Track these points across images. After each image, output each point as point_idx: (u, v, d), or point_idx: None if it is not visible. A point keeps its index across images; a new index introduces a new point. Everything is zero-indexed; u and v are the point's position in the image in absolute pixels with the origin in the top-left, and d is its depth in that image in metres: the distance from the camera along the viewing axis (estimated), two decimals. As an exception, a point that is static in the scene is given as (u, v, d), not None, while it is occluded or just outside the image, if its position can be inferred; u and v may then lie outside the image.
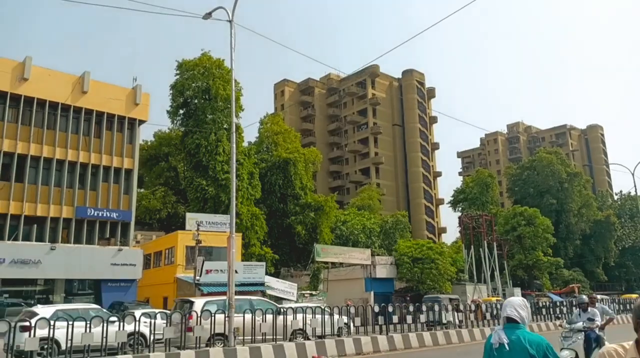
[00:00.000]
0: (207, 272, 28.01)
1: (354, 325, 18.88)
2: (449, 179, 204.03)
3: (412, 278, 40.02)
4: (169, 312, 15.45)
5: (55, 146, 27.70)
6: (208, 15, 15.99)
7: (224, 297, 16.24)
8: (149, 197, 45.86)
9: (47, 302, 26.50)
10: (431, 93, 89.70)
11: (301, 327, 17.16)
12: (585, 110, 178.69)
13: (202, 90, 41.57)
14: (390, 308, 19.70)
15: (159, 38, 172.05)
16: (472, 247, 46.78)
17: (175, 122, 43.89)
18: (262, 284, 31.72)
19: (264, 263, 34.31)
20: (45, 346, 12.14)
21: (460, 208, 65.12)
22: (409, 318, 20.14)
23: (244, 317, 15.34)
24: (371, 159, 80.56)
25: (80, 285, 28.22)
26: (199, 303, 15.97)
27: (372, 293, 37.66)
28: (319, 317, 17.24)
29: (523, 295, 43.46)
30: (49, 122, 27.73)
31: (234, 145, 16.66)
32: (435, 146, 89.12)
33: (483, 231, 47.45)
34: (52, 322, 11.61)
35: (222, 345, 14.55)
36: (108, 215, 28.86)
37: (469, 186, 66.60)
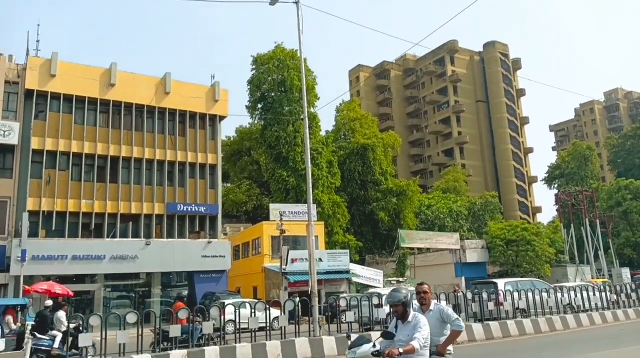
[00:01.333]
0: (293, 261, 28.27)
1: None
2: (542, 155, 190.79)
3: (506, 262, 37.82)
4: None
5: (144, 147, 29.18)
6: (275, 1, 15.68)
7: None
8: (235, 190, 47.34)
9: (146, 294, 28.24)
10: (517, 65, 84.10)
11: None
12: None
13: (277, 83, 41.91)
14: (485, 295, 18.47)
15: (233, 34, 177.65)
16: (572, 226, 43.36)
17: (254, 116, 44.80)
18: (348, 272, 31.47)
19: (347, 251, 34.02)
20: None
21: (556, 186, 60.78)
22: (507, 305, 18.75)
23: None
24: (454, 139, 77.31)
25: (175, 278, 29.67)
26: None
27: (463, 278, 36.10)
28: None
29: (632, 276, 39.57)
30: (136, 124, 29.25)
31: (307, 131, 16.29)
32: (525, 121, 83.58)
33: (584, 208, 43.74)
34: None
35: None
36: (197, 209, 29.99)
37: (565, 161, 61.94)
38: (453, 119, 78.38)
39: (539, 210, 79.29)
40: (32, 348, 12.35)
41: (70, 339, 12.39)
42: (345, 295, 24.56)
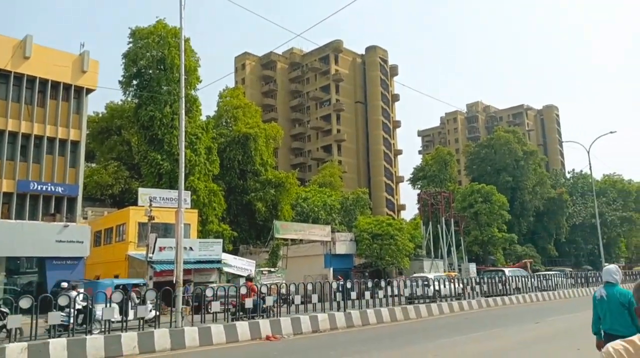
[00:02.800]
0: (161, 249, 26.97)
1: (310, 302, 18.46)
2: (409, 157, 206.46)
3: (371, 255, 40.15)
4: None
5: (-7, 115, 25.68)
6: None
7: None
8: (101, 171, 43.82)
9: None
10: (394, 71, 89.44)
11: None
12: (542, 90, 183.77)
13: (156, 60, 39.56)
14: (348, 285, 19.41)
15: (111, 2, 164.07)
16: (430, 223, 47.41)
17: (127, 93, 41.74)
18: (219, 261, 30.92)
19: (221, 240, 33.40)
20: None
21: (419, 186, 65.93)
22: (367, 295, 19.94)
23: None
24: (333, 136, 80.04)
25: (24, 263, 26.62)
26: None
27: (331, 269, 37.55)
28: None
29: (477, 271, 44.48)
30: (-16, 88, 25.63)
31: (182, 111, 15.62)
32: (397, 124, 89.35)
33: (441, 208, 48.08)
34: None
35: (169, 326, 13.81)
36: (53, 189, 27.16)
37: (428, 164, 67.41)
38: (333, 117, 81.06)
39: (403, 207, 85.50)
40: None
41: None
42: (213, 285, 24.12)
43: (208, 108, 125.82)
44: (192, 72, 40.01)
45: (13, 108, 26.53)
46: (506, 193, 60.41)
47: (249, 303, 15.58)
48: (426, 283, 23.54)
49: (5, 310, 12.51)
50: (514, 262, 55.63)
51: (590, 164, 69.36)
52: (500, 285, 28.30)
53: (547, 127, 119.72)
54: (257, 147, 46.79)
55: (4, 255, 24.90)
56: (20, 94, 26.92)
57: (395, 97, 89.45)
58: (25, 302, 11.92)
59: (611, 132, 49.89)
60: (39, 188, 26.70)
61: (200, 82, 41.95)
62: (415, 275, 30.45)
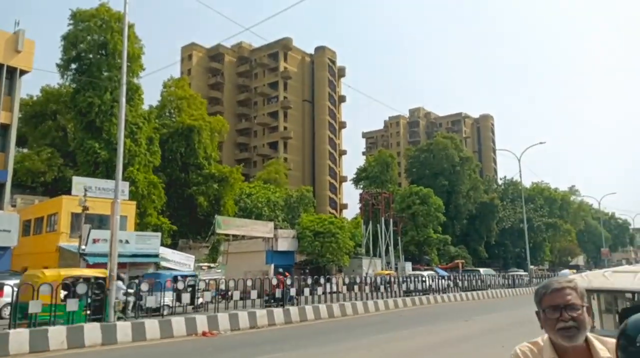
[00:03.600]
0: (95, 241, 25.98)
1: (250, 298, 18.49)
2: (353, 158, 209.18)
3: (312, 252, 40.56)
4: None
5: None
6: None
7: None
8: (33, 158, 41.34)
9: None
10: (342, 72, 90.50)
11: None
12: (479, 100, 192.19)
13: (98, 45, 37.93)
14: (288, 281, 19.60)
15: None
16: (371, 222, 48.51)
17: (65, 77, 39.73)
18: (157, 255, 30.16)
19: (159, 234, 32.57)
20: None
21: (361, 186, 67.23)
22: (307, 291, 20.23)
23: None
24: (280, 133, 79.93)
25: (-60, 253, 24.77)
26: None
27: (272, 266, 37.56)
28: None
29: (413, 270, 46.01)
30: None
31: (123, 99, 15.17)
32: (343, 125, 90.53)
33: (381, 208, 49.30)
34: None
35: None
36: (-23, 174, 25.44)
37: (371, 165, 68.86)
38: (280, 114, 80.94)
39: (345, 206, 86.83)
40: None
41: None
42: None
43: (151, 98, 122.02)
44: (136, 60, 38.68)
45: None
46: (442, 196, 62.84)
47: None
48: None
49: None
50: (447, 262, 57.98)
51: (520, 171, 73.61)
52: (425, 284, 29.48)
53: (482, 135, 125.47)
54: (201, 140, 45.93)
55: None
56: (-56, 70, 25.02)
57: (342, 98, 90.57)
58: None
59: (540, 143, 53.23)
60: (-38, 172, 24.95)
61: (144, 70, 40.65)
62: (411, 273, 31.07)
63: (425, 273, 32.68)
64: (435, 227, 58.40)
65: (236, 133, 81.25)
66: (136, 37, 39.38)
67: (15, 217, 26.73)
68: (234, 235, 39.27)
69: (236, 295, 18.02)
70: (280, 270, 27.73)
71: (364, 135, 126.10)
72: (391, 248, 48.54)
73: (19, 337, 11.20)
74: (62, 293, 13.28)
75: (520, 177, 52.93)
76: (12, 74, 27.60)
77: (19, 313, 12.46)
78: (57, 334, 11.72)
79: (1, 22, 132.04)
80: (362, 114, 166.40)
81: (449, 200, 66.27)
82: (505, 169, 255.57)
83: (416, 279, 28.68)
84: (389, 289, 25.85)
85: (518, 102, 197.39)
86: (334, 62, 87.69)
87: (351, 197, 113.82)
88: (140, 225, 35.25)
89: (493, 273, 43.79)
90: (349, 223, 51.61)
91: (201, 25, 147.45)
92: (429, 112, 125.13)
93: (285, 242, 40.91)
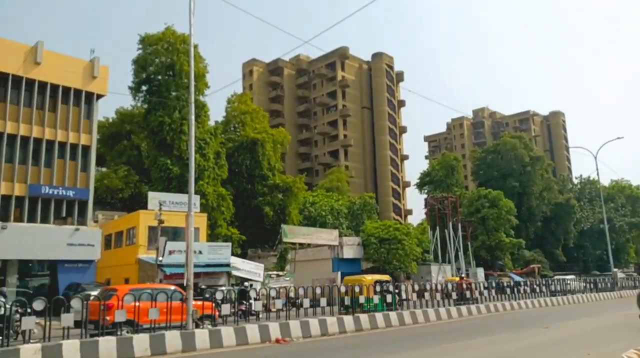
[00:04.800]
0: (171, 252, 27.21)
1: (319, 306, 18.56)
2: (416, 163, 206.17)
3: (378, 259, 40.22)
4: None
5: (6, 120, 26.02)
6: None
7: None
8: (111, 176, 44.11)
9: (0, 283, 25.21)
10: (400, 77, 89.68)
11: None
12: (549, 96, 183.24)
13: (165, 66, 40.03)
14: (357, 288, 19.50)
15: (119, 10, 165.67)
16: (438, 228, 47.40)
17: (137, 98, 42.22)
18: (228, 265, 31.10)
19: (229, 244, 33.60)
20: None
21: (426, 191, 65.91)
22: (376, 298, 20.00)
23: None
24: (340, 141, 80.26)
25: (35, 266, 26.95)
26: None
27: (339, 273, 37.61)
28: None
29: (485, 276, 44.36)
30: (-2, 93, 26.04)
31: (192, 117, 15.83)
32: (403, 130, 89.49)
33: (448, 213, 48.06)
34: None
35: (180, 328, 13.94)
36: (64, 193, 27.48)
37: (435, 169, 67.40)
38: (340, 122, 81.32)
39: (410, 212, 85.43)
40: None
41: None
42: (223, 288, 24.29)
43: (216, 113, 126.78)
44: (201, 78, 40.39)
45: (25, 113, 26.93)
46: (513, 199, 60.26)
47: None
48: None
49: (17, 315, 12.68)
50: (522, 267, 55.42)
51: (597, 169, 69.03)
52: (508, 289, 28.26)
53: (553, 133, 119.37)
54: (264, 152, 47.06)
55: (16, 258, 25.24)
56: (32, 99, 27.30)
57: (401, 103, 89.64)
58: (38, 304, 12.11)
59: (618, 138, 49.74)
60: (51, 192, 27.03)
61: (209, 88, 42.39)
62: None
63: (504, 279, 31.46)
64: (507, 230, 56.03)
65: (297, 143, 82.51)
66: (200, 56, 41.12)
67: (98, 232, 28.58)
68: (300, 244, 39.77)
69: (306, 302, 18.16)
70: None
71: (426, 138, 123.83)
72: (461, 253, 47.13)
73: (108, 344, 11.89)
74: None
75: (598, 175, 49.92)
76: (90, 98, 29.64)
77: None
78: (141, 342, 12.34)
79: (78, 51, 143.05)
80: (423, 117, 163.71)
81: (520, 202, 63.46)
82: (581, 167, 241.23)
83: (492, 284, 27.63)
84: (468, 295, 25.08)
85: (590, 97, 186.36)
86: (391, 68, 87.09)
87: (415, 202, 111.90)
88: (212, 236, 36.55)
89: (572, 277, 41.31)
90: (415, 230, 50.72)
91: (260, 41, 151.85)
92: (494, 111, 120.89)
93: (351, 249, 40.86)
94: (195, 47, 39.04)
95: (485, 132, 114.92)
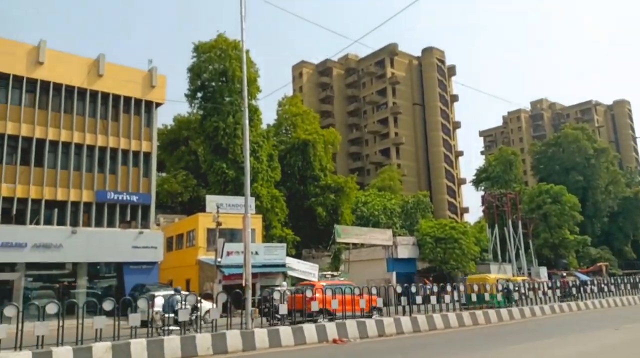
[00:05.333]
0: (229, 253, 27.92)
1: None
2: (471, 158, 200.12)
3: (434, 259, 39.44)
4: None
5: (73, 130, 27.64)
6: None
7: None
8: (170, 180, 45.92)
9: (71, 285, 26.83)
10: (452, 71, 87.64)
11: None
12: (612, 85, 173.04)
13: (219, 73, 41.12)
14: (413, 289, 19.24)
15: (173, 19, 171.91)
16: (496, 226, 45.88)
17: (193, 105, 43.65)
18: (283, 265, 31.55)
19: (284, 244, 34.09)
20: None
21: (482, 188, 64.01)
22: (433, 299, 19.67)
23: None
24: (391, 139, 79.42)
25: (103, 269, 28.44)
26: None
27: (394, 273, 37.24)
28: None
29: (549, 275, 42.52)
30: (65, 106, 27.64)
31: (246, 121, 16.19)
32: (457, 125, 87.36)
33: (507, 210, 46.43)
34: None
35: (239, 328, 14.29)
36: (128, 198, 28.85)
37: (491, 165, 65.31)
38: (390, 120, 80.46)
39: (466, 210, 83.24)
40: None
41: None
42: (279, 288, 24.65)
43: (268, 116, 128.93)
44: (252, 83, 41.19)
45: (90, 123, 28.48)
46: (577, 193, 57.34)
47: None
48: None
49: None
50: (588, 265, 52.66)
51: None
52: (574, 289, 26.93)
53: (618, 123, 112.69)
54: (316, 153, 47.34)
55: (85, 261, 26.76)
56: (96, 109, 28.83)
57: (454, 98, 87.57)
58: (107, 305, 12.77)
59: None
60: (116, 197, 28.46)
61: (260, 92, 43.18)
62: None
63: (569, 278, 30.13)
64: (571, 227, 53.34)
65: (348, 143, 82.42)
66: (251, 61, 41.98)
67: (160, 235, 29.80)
68: (353, 244, 39.70)
69: (362, 303, 18.10)
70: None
71: (482, 133, 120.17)
72: (522, 252, 45.39)
73: (172, 343, 12.37)
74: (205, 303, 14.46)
75: (672, 165, 46.25)
76: (149, 107, 30.95)
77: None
78: (203, 341, 12.76)
79: (136, 62, 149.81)
80: (477, 112, 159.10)
81: (585, 197, 60.31)
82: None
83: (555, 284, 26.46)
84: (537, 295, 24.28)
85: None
86: (442, 62, 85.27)
87: (472, 200, 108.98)
88: (267, 237, 37.21)
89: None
90: (472, 228, 49.31)
91: (308, 43, 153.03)
92: (554, 102, 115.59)
93: (405, 249, 40.32)
94: (247, 52, 39.91)
95: (545, 125, 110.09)
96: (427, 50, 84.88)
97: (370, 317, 17.38)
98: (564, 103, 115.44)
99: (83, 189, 27.59)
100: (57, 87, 27.34)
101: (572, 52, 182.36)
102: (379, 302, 18.45)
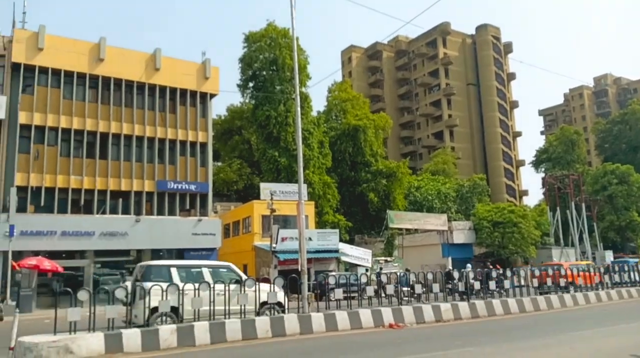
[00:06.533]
0: (283, 239, 28.49)
1: (432, 292, 18.24)
2: (530, 139, 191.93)
3: (492, 243, 38.47)
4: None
5: (134, 123, 28.92)
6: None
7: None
8: (226, 169, 47.25)
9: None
10: (508, 48, 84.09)
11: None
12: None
13: (269, 62, 41.57)
14: (471, 275, 18.83)
15: (224, 10, 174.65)
16: (558, 209, 44.04)
17: (245, 95, 44.50)
18: (337, 251, 31.80)
19: (337, 230, 34.33)
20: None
21: (543, 169, 61.54)
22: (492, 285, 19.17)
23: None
24: (444, 121, 77.54)
25: (165, 255, 29.74)
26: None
27: (449, 259, 36.68)
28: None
29: (615, 258, 40.49)
30: (126, 100, 28.94)
31: (298, 109, 16.30)
32: (514, 104, 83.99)
33: (570, 192, 44.46)
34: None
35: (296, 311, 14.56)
36: (187, 187, 29.94)
37: (552, 145, 62.58)
38: (443, 102, 78.47)
39: (525, 193, 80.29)
40: None
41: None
42: (334, 273, 24.89)
43: (318, 103, 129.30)
44: (302, 70, 41.38)
45: (149, 116, 29.68)
46: (646, 173, 53.92)
47: (461, 286, 17.97)
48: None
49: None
50: (660, 249, 49.61)
51: None
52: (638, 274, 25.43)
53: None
54: (366, 139, 47.08)
55: (149, 248, 28.09)
56: (154, 102, 29.98)
57: (511, 76, 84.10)
58: (172, 289, 13.34)
59: None
60: (175, 186, 29.62)
61: (310, 79, 43.35)
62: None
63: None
64: (639, 208, 50.32)
65: (399, 127, 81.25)
66: (301, 49, 42.08)
67: (218, 222, 30.78)
68: (407, 229, 39.36)
69: (418, 288, 17.95)
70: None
71: (541, 112, 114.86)
72: (585, 236, 43.37)
73: (233, 326, 12.80)
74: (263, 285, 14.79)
75: None
76: (204, 98, 31.82)
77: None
78: (262, 324, 13.11)
79: (191, 54, 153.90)
80: (536, 90, 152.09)
81: (655, 177, 56.56)
82: None
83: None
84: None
85: None
86: (498, 39, 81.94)
87: (531, 182, 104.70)
88: (319, 223, 37.58)
89: None
90: (532, 211, 47.61)
91: (357, 26, 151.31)
92: (619, 77, 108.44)
93: (461, 234, 39.54)
94: (296, 40, 40.07)
95: (610, 101, 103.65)
96: (482, 28, 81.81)
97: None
98: (630, 77, 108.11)
99: (145, 179, 28.87)
100: (118, 82, 28.63)
101: (638, 22, 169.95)
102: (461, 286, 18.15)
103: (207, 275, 14.00)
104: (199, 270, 14.36)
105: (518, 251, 38.06)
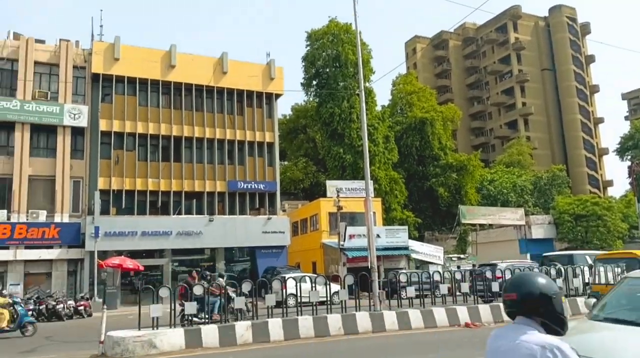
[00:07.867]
0: (351, 237, 28.29)
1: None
2: (614, 125, 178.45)
3: (575, 238, 36.09)
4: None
5: (205, 126, 29.94)
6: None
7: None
8: (292, 168, 47.84)
9: (211, 268, 29.27)
10: (585, 29, 78.52)
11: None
12: None
13: (332, 58, 41.50)
14: (553, 271, 17.67)
15: (285, 9, 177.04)
16: (649, 199, 40.43)
17: (309, 93, 44.73)
18: (406, 248, 31.16)
19: (406, 227, 33.63)
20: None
21: (629, 157, 56.75)
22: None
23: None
24: (518, 110, 73.79)
25: (237, 253, 30.60)
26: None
27: (528, 255, 34.81)
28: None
29: None
30: (196, 104, 30.03)
31: (363, 105, 16.00)
32: (595, 89, 78.32)
33: (662, 181, 40.64)
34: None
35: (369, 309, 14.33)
36: (256, 187, 30.59)
37: (638, 131, 57.57)
38: (516, 89, 74.69)
39: (610, 183, 74.73)
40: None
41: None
42: (404, 270, 24.36)
43: (382, 97, 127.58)
44: (366, 65, 40.87)
45: (218, 118, 30.61)
46: None
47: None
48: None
49: (232, 295, 14.40)
50: None
51: None
52: None
53: None
54: (434, 131, 45.79)
55: (222, 246, 29.00)
56: (223, 105, 30.88)
57: (590, 59, 78.48)
58: (246, 286, 13.61)
59: None
60: (245, 186, 30.36)
61: (374, 73, 42.82)
62: None
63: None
64: None
65: (469, 118, 78.35)
66: (364, 43, 41.64)
67: (286, 221, 31.18)
68: (480, 225, 37.84)
69: (495, 286, 17.11)
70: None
71: (625, 96, 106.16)
72: (682, 228, 39.54)
73: (305, 323, 12.83)
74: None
75: None
76: (270, 99, 32.34)
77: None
78: (334, 321, 13.04)
79: (255, 56, 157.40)
80: (619, 72, 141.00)
81: None
82: None
83: None
84: None
85: None
86: (574, 20, 76.75)
87: (616, 171, 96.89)
88: (387, 220, 37.01)
89: None
90: (618, 203, 44.14)
91: (421, 16, 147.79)
92: None
93: (540, 228, 37.45)
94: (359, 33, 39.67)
95: None
96: (556, 9, 77.00)
97: None
98: None
99: (217, 180, 29.82)
100: (188, 87, 29.75)
101: None
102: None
103: None
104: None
105: (603, 246, 35.40)
